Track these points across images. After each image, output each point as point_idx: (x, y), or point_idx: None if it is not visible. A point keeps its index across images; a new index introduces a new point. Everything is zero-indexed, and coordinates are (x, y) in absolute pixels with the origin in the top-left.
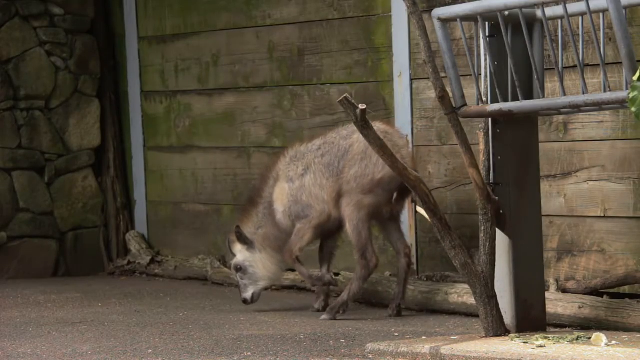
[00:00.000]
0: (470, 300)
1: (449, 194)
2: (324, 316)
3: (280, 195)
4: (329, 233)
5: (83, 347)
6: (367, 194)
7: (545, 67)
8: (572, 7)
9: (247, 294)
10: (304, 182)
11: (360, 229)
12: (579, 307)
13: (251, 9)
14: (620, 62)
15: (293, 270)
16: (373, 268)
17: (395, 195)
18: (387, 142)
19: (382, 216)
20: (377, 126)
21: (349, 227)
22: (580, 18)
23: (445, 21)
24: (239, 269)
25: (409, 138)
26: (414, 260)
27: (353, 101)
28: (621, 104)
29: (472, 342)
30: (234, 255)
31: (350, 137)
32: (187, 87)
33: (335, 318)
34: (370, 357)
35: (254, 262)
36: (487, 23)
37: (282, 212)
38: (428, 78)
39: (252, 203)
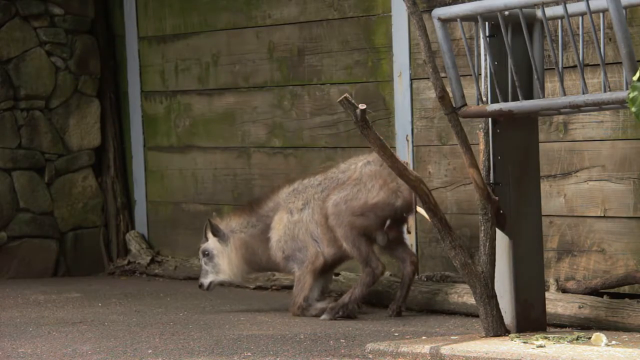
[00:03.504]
0: (470, 300)
1: (449, 194)
2: (323, 316)
3: (278, 225)
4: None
5: (83, 347)
6: (358, 216)
7: (545, 67)
8: (572, 7)
9: (205, 280)
10: (302, 216)
11: (358, 244)
12: (579, 307)
13: (251, 9)
14: (620, 62)
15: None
16: (379, 275)
17: (388, 222)
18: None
19: (376, 242)
20: None
21: (347, 246)
22: (580, 18)
23: (445, 21)
24: (206, 254)
25: (409, 138)
26: None
27: (353, 101)
28: (621, 104)
29: (472, 342)
30: (207, 240)
31: (349, 169)
32: (187, 87)
33: (335, 318)
34: (370, 357)
35: (221, 253)
36: (487, 23)
37: (275, 241)
38: (428, 78)
39: (250, 209)
